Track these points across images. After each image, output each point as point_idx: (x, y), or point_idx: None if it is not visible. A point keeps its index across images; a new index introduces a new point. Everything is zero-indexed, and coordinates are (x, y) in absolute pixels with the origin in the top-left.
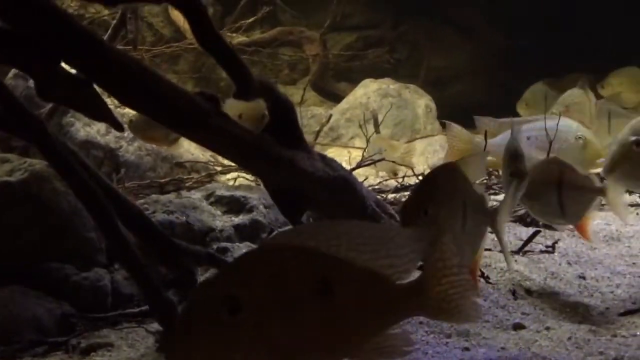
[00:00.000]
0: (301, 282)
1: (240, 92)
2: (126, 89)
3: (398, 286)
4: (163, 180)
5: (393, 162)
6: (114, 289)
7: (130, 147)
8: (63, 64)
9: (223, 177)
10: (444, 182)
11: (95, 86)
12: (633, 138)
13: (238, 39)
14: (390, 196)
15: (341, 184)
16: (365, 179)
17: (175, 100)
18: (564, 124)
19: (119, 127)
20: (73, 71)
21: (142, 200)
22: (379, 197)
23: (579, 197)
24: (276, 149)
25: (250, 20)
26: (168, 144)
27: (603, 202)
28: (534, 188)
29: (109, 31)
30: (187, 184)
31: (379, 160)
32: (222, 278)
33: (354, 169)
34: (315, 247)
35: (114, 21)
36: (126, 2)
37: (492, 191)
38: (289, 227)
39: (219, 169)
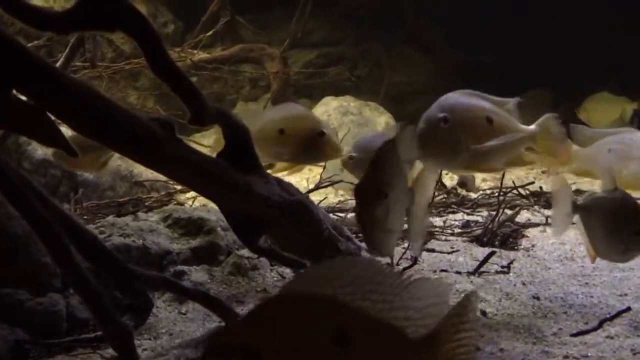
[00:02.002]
0: (320, 333)
1: (196, 119)
2: (79, 116)
3: (410, 340)
4: (122, 200)
5: (351, 183)
6: (69, 313)
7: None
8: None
9: (183, 196)
10: (393, 161)
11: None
12: (441, 115)
13: (199, 55)
14: (350, 215)
15: (298, 207)
16: (324, 198)
17: (129, 127)
18: None
19: (72, 152)
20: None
21: (98, 223)
22: (338, 215)
23: None
24: (232, 174)
25: (209, 33)
26: (97, 169)
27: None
28: None
29: (67, 50)
30: (146, 203)
31: (337, 182)
32: (241, 327)
33: (311, 191)
34: (332, 296)
35: (72, 40)
36: (78, 30)
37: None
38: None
39: (178, 187)
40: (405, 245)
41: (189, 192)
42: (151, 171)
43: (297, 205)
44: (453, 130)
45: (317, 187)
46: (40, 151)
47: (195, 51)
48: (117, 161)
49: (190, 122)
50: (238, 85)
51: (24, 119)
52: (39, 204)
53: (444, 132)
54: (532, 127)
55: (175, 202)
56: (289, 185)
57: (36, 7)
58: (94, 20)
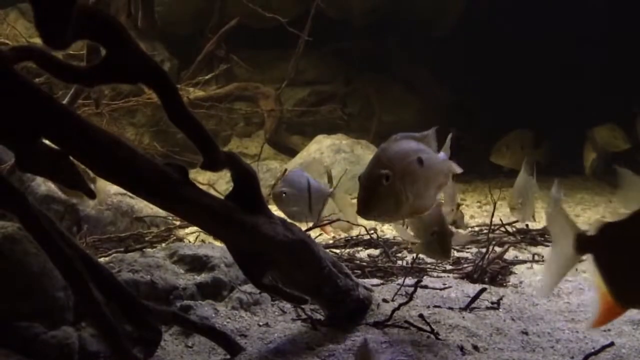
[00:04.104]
0: None
1: (209, 164)
2: (100, 162)
3: None
4: (123, 235)
5: (348, 221)
6: (81, 346)
7: (90, 201)
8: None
9: (182, 231)
10: None
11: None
12: (383, 171)
13: (195, 93)
14: (345, 252)
15: (300, 246)
16: (319, 235)
17: (146, 171)
18: None
19: (92, 195)
20: (50, 144)
21: (107, 259)
22: (334, 252)
23: None
24: (240, 215)
25: (208, 77)
26: None
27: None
28: None
29: (72, 91)
30: (146, 238)
31: (335, 221)
32: None
33: (310, 229)
34: None
35: None
36: (103, 84)
37: None
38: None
39: (177, 223)
40: (400, 281)
41: (187, 227)
42: (151, 207)
43: (300, 244)
44: (394, 184)
45: (316, 226)
46: (43, 187)
47: (192, 89)
48: (118, 196)
49: (202, 166)
50: (232, 122)
51: (49, 164)
52: (62, 243)
53: (386, 190)
54: (442, 154)
55: (174, 237)
56: (292, 225)
57: (65, 62)
58: (118, 75)
